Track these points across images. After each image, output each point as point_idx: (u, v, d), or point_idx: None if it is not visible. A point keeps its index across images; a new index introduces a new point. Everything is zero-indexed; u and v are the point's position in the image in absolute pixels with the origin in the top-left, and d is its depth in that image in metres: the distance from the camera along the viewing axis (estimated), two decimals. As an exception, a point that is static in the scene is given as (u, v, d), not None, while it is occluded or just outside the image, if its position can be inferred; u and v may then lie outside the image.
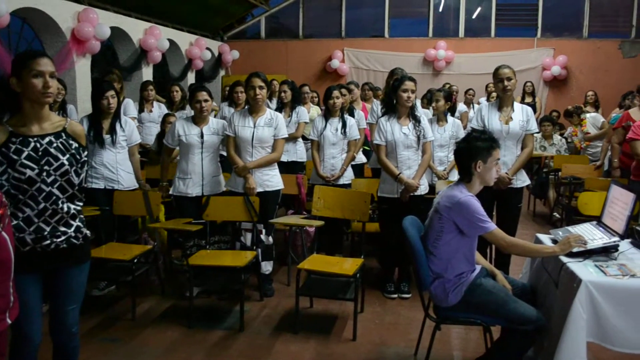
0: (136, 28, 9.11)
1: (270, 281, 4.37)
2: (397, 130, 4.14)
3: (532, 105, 9.88)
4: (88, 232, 2.47)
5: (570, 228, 3.12)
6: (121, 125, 4.37)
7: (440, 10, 12.09)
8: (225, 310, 4.04)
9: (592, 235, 2.86)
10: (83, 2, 7.96)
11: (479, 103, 8.75)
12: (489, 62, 8.76)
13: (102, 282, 4.32)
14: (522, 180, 4.15)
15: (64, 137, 2.34)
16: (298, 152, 5.72)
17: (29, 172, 2.21)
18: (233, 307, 4.04)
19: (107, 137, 4.30)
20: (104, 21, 7.93)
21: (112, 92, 4.31)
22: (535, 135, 7.46)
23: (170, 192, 4.35)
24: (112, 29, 8.16)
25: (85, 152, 2.42)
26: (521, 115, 4.07)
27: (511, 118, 4.04)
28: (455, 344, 3.54)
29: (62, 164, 2.28)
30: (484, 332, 2.95)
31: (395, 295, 4.27)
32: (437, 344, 3.38)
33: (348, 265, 3.72)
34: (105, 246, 4.15)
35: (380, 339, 3.58)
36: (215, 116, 5.66)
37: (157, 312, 4.01)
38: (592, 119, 7.27)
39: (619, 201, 2.92)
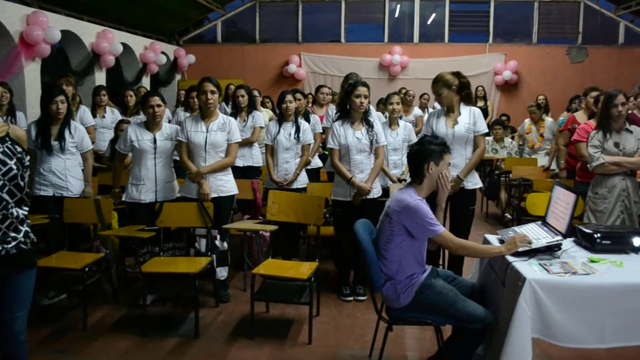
0: (88, 31, 8.93)
1: (226, 287, 4.35)
2: (350, 135, 4.19)
3: (484, 109, 10.12)
4: (34, 237, 2.44)
5: (516, 228, 3.22)
6: (70, 132, 4.27)
7: (396, 16, 12.27)
8: (180, 317, 4.00)
9: (537, 235, 2.95)
10: (32, 5, 7.75)
11: (434, 107, 8.91)
12: (443, 67, 8.89)
13: (51, 292, 4.21)
14: (474, 182, 4.16)
15: (9, 142, 2.31)
16: (254, 157, 5.71)
17: None
18: (188, 314, 4.00)
19: (55, 143, 4.20)
20: (55, 24, 7.75)
21: (61, 97, 4.22)
22: (487, 138, 7.72)
23: (123, 199, 4.29)
24: (63, 32, 7.96)
25: (28, 157, 2.40)
26: (467, 119, 4.09)
27: (457, 122, 4.10)
28: (409, 344, 3.60)
29: (11, 169, 2.26)
30: (435, 331, 3.00)
31: (351, 298, 4.31)
32: (392, 344, 3.44)
33: (303, 269, 3.74)
34: (55, 255, 4.05)
35: (336, 342, 3.61)
36: (169, 122, 5.62)
37: (110, 321, 3.94)
38: (551, 124, 7.55)
39: (562, 201, 3.02)
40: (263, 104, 7.17)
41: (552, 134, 7.40)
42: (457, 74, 4.10)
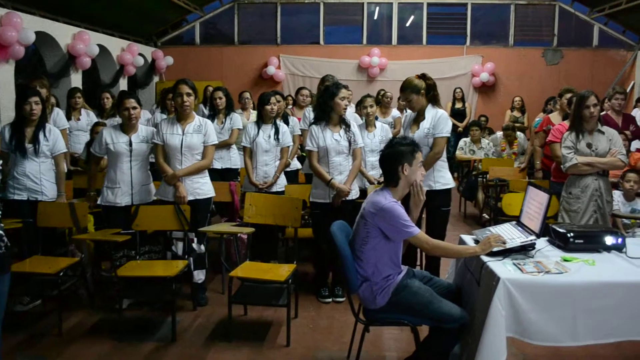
0: (64, 33, 8.80)
1: (203, 290, 4.32)
2: (329, 137, 4.20)
3: (462, 111, 10.26)
4: (7, 241, 2.40)
5: (491, 228, 3.25)
6: (45, 135, 4.22)
7: (375, 18, 12.33)
8: (157, 321, 3.96)
9: (511, 235, 2.99)
10: (5, 6, 7.63)
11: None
12: (421, 69, 8.94)
13: (25, 297, 4.14)
14: (443, 183, 4.07)
15: None
16: (232, 159, 5.68)
17: None
18: (165, 318, 3.96)
19: (29, 146, 4.14)
20: (29, 25, 7.62)
21: (36, 99, 4.16)
22: (465, 139, 7.82)
23: (99, 202, 4.24)
24: (38, 33, 7.84)
25: (1, 161, 2.36)
26: (429, 122, 4.03)
27: (419, 126, 4.07)
28: (387, 344, 3.61)
29: None
30: (412, 332, 3.02)
31: (330, 300, 4.31)
32: (370, 345, 3.46)
33: (281, 272, 3.73)
34: (29, 260, 3.98)
35: (314, 344, 3.61)
36: (147, 122, 5.56)
37: (86, 326, 3.88)
38: (522, 141, 7.75)
39: (535, 201, 3.07)
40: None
41: (523, 150, 7.64)
42: (422, 77, 4.07)
